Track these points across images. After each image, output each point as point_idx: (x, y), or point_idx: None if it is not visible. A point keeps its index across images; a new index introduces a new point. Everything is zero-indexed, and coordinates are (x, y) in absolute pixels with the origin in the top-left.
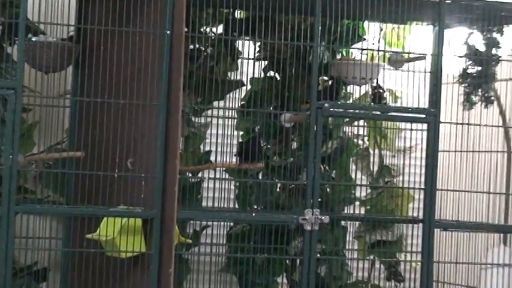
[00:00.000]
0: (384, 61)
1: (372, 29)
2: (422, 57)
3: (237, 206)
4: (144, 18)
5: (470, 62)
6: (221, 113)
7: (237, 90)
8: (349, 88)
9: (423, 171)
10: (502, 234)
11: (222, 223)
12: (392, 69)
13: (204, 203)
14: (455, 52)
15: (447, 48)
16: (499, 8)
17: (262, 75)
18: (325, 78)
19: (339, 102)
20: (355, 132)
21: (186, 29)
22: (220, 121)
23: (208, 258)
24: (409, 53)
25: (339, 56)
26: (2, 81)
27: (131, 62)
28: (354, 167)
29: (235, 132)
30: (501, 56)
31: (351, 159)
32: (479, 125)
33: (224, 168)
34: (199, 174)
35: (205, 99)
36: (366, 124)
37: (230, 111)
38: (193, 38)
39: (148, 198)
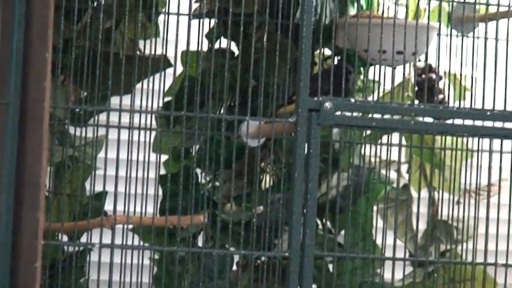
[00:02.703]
0: (439, 20)
1: None
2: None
3: None
4: None
5: None
6: (126, 119)
7: (157, 76)
8: (373, 72)
9: None
10: None
11: None
12: (456, 35)
13: None
14: None
15: None
16: None
17: (206, 48)
18: (327, 52)
19: (353, 100)
20: (384, 158)
21: None
22: (125, 135)
23: None
24: (487, 4)
25: (353, 11)
26: None
27: None
28: (380, 223)
29: (154, 157)
30: None
31: (375, 208)
32: None
33: (131, 226)
34: (84, 238)
35: (96, 94)
36: (404, 142)
37: (143, 115)
38: None
39: None
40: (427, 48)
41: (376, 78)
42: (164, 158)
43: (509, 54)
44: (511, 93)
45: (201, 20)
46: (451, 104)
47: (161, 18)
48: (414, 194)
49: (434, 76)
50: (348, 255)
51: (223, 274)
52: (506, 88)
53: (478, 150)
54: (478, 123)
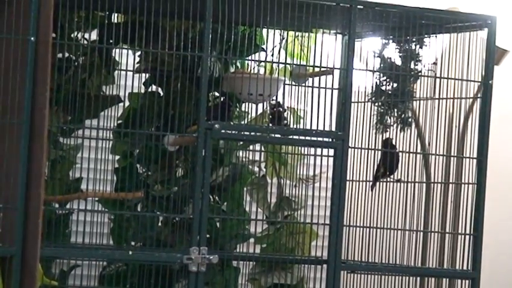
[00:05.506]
0: (284, 75)
1: (272, 38)
2: (329, 71)
3: (112, 242)
4: (3, 22)
5: (385, 77)
6: (94, 133)
7: (113, 108)
8: (244, 106)
9: (329, 203)
10: (418, 278)
11: (94, 262)
12: (294, 85)
13: (73, 239)
14: (368, 66)
15: (358, 61)
16: (419, 15)
17: (143, 91)
18: (217, 94)
19: (232, 123)
20: (251, 158)
21: (53, 35)
22: (93, 143)
23: None
24: (314, 66)
25: (232, 69)
26: None
27: None
28: (248, 198)
29: (111, 156)
30: (420, 71)
31: (245, 189)
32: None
33: (97, 198)
34: (68, 205)
35: (75, 118)
36: (263, 148)
37: (105, 131)
38: (62, 45)
39: (6, 232)
40: (277, 92)
41: (246, 110)
42: (117, 157)
43: (327, 98)
44: (326, 120)
45: (140, 73)
46: (291, 126)
47: (116, 72)
48: (269, 180)
49: (281, 109)
50: (228, 217)
51: (153, 228)
52: (324, 117)
53: (307, 154)
54: (308, 138)
